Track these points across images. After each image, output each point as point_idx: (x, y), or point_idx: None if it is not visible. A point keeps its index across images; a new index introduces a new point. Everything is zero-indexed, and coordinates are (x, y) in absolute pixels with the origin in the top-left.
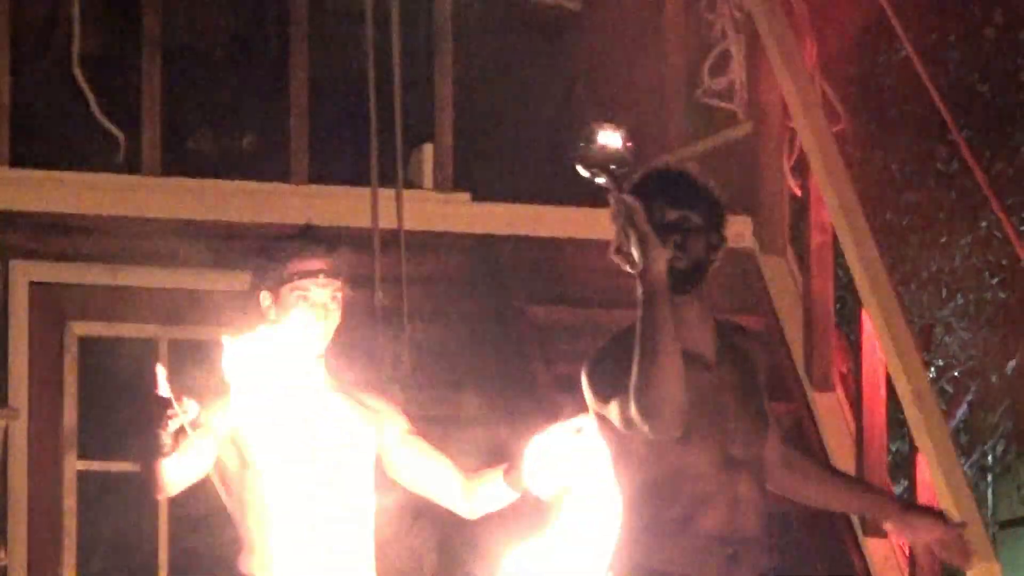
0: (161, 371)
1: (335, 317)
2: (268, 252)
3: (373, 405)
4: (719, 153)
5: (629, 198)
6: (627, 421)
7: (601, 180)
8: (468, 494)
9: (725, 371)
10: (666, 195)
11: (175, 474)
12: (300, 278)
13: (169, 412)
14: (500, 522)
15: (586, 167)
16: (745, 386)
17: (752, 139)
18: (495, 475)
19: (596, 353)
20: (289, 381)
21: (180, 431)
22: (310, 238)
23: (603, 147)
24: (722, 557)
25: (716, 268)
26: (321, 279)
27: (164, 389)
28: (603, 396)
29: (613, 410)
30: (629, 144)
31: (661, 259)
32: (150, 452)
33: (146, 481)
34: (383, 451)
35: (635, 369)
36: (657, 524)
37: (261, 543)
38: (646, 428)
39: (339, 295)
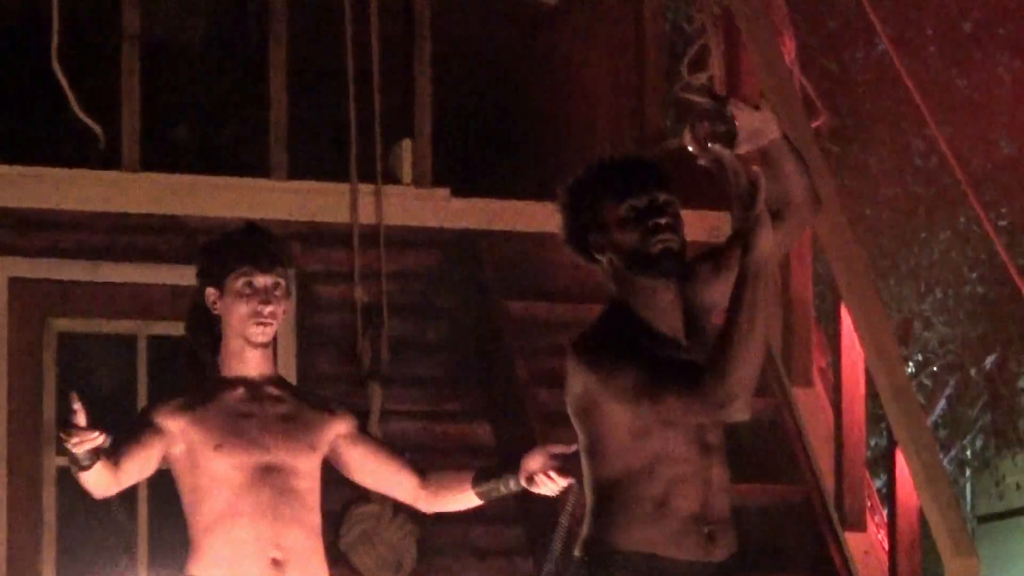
0: (75, 400)
1: (281, 306)
2: (210, 247)
3: (321, 403)
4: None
5: (755, 174)
6: (683, 400)
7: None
8: (426, 495)
9: (696, 356)
10: (657, 179)
11: (104, 479)
12: (243, 265)
13: (79, 439)
14: (481, 517)
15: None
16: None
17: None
18: (461, 482)
19: (588, 331)
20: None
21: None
22: (250, 230)
23: (697, 88)
24: (700, 536)
25: None
26: (265, 264)
27: (79, 418)
28: (606, 370)
29: (619, 384)
30: (714, 84)
31: (770, 237)
32: (73, 465)
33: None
34: (332, 450)
35: (726, 347)
36: (635, 506)
37: (207, 546)
38: (723, 411)
39: (283, 283)
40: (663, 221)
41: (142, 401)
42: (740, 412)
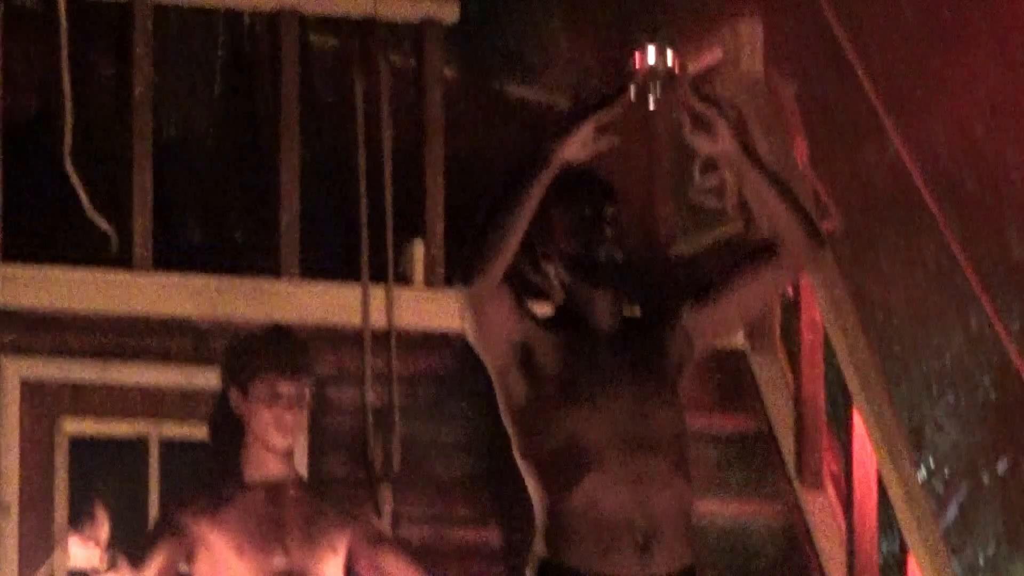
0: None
1: (304, 414)
2: (236, 349)
3: (341, 508)
4: (710, 251)
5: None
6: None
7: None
8: None
9: (624, 348)
10: (602, 190)
11: None
12: (268, 371)
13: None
14: None
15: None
16: (649, 365)
17: (743, 237)
18: None
19: None
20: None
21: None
22: (278, 335)
23: (652, 69)
24: (632, 549)
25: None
26: (289, 372)
27: (100, 530)
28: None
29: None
30: (676, 60)
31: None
32: None
33: None
34: (352, 555)
35: (492, 213)
36: (562, 512)
37: None
38: (477, 279)
39: (307, 390)
40: (609, 233)
41: (153, 502)
42: (483, 283)
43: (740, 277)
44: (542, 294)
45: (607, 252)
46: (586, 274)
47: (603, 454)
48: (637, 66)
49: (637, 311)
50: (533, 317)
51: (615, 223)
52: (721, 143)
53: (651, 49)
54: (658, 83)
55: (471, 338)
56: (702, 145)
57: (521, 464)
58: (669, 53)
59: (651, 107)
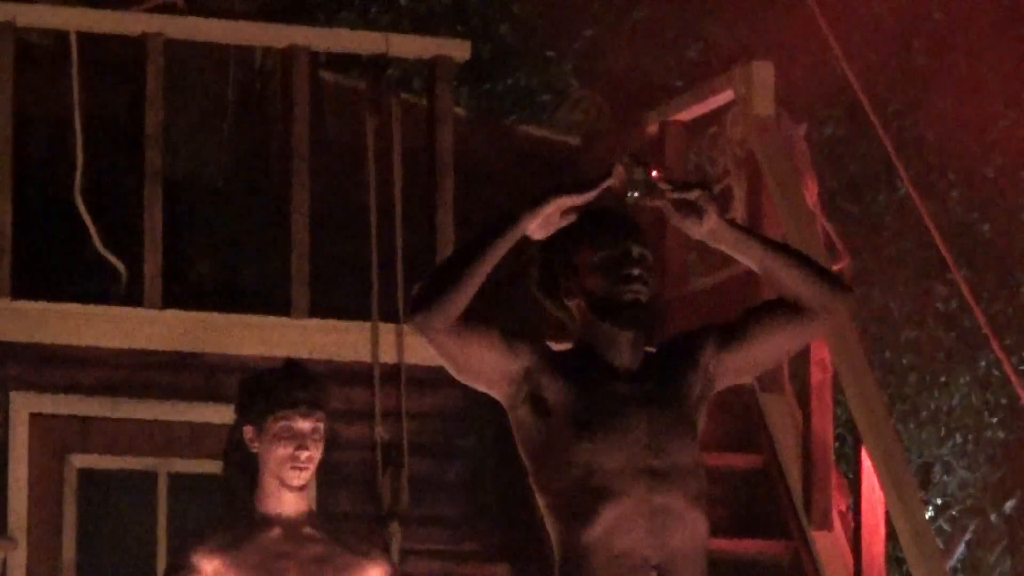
0: None
1: (318, 449)
2: (250, 385)
3: (354, 546)
4: (720, 290)
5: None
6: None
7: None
8: None
9: (641, 381)
10: (632, 231)
11: None
12: (283, 408)
13: None
14: None
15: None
16: (666, 397)
17: (753, 276)
18: None
19: None
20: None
21: None
22: (292, 371)
23: (632, 178)
24: None
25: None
26: (304, 409)
27: None
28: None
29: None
30: (655, 172)
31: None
32: None
33: None
34: None
35: (454, 257)
36: (578, 546)
37: None
38: (421, 311)
39: (322, 426)
40: (635, 272)
41: (162, 538)
42: (436, 321)
43: (770, 325)
44: (562, 329)
45: (632, 293)
46: (609, 314)
47: (619, 487)
48: (616, 182)
49: (654, 347)
50: (537, 352)
51: (642, 263)
52: (708, 223)
53: (630, 162)
54: (637, 192)
55: (454, 375)
56: (691, 229)
57: (538, 498)
58: (647, 167)
59: (630, 204)
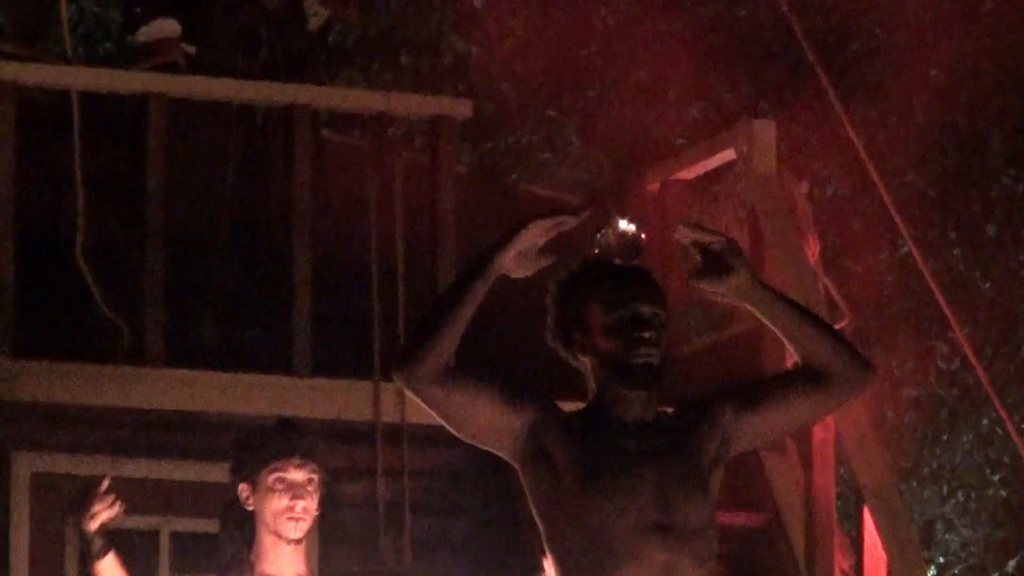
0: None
1: (314, 501)
2: (243, 442)
3: None
4: (721, 349)
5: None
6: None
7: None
8: None
9: (651, 437)
10: (642, 290)
11: None
12: (276, 460)
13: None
14: None
15: (604, 252)
16: (678, 453)
17: (754, 335)
18: None
19: None
20: None
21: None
22: (285, 426)
23: (621, 234)
24: None
25: None
26: (297, 460)
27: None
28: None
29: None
30: (643, 235)
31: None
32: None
33: None
34: None
35: (432, 309)
36: None
37: None
38: (402, 363)
39: (316, 478)
40: (647, 335)
41: None
42: (418, 375)
43: (791, 392)
44: (582, 389)
45: (642, 357)
46: (619, 375)
47: (627, 545)
48: (599, 248)
49: (669, 408)
50: (543, 408)
51: (655, 325)
52: (736, 278)
53: (615, 227)
54: (622, 255)
55: (454, 432)
56: (714, 285)
57: (549, 556)
58: (632, 228)
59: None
